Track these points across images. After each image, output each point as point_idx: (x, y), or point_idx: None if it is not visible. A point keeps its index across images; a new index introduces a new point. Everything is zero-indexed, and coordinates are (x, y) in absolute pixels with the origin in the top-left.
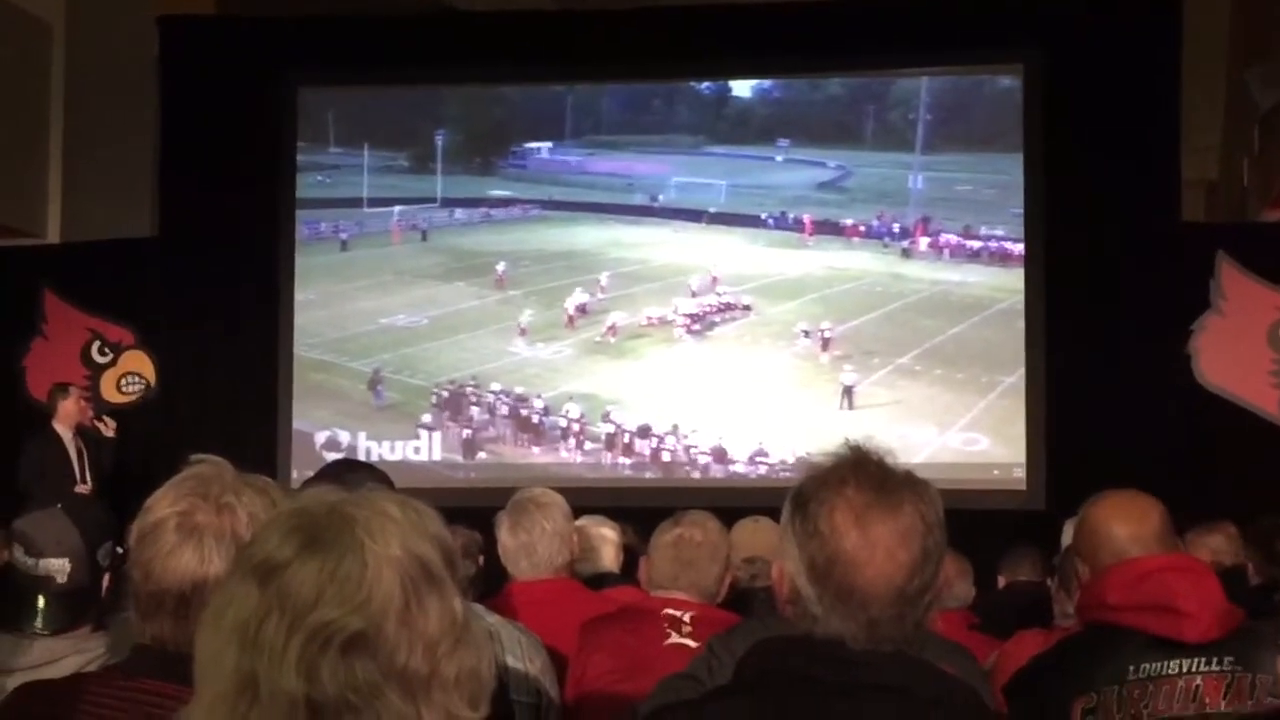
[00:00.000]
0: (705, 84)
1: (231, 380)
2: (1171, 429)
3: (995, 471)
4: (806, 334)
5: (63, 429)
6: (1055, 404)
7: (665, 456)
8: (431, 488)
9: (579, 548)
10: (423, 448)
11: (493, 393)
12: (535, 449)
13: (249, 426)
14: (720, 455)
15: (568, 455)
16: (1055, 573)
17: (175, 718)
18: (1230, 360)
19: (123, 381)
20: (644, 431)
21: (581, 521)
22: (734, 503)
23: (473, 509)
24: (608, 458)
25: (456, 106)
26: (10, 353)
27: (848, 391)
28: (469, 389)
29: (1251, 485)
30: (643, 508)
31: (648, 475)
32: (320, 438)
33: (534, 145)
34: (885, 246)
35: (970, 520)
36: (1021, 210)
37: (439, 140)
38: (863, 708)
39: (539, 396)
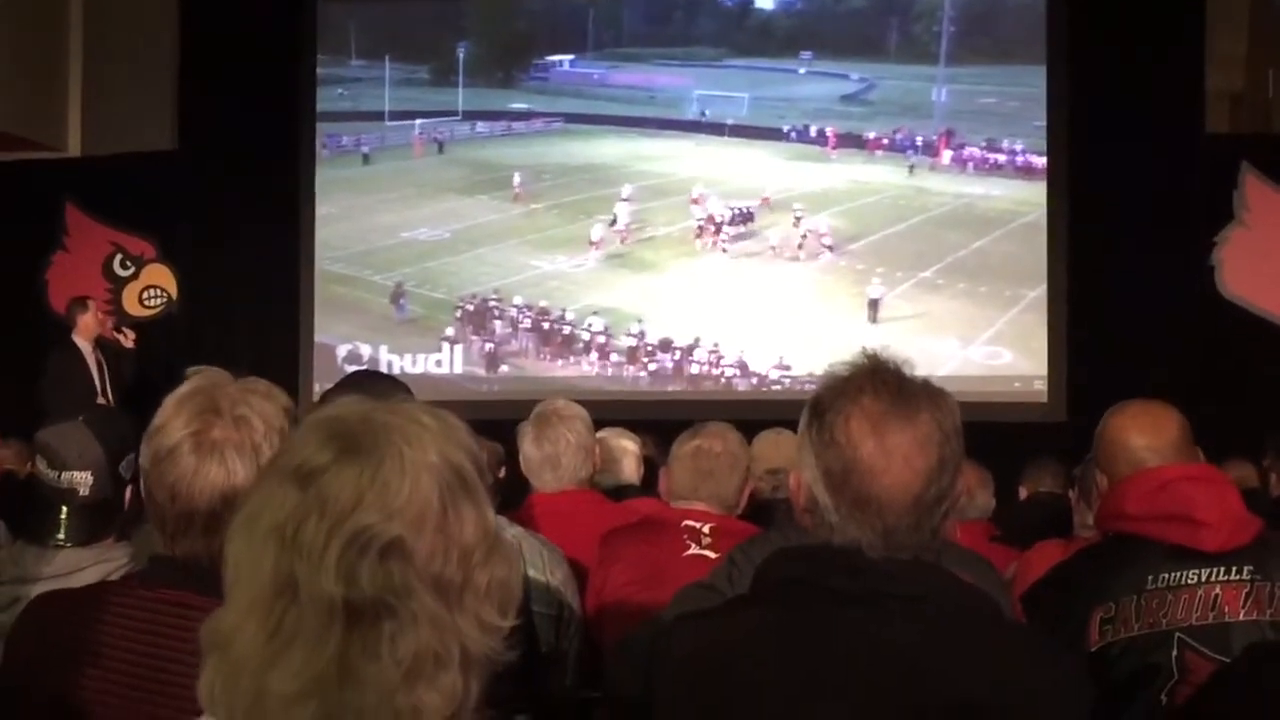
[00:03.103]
0: None
1: (253, 293)
2: (1194, 341)
3: (1017, 384)
4: (830, 248)
5: (82, 342)
6: (1077, 316)
7: (689, 369)
8: (454, 400)
9: (600, 459)
10: (444, 360)
11: (515, 306)
12: (558, 362)
13: (270, 339)
14: (743, 368)
15: (590, 368)
16: (1076, 484)
17: (209, 620)
18: (1254, 272)
19: (145, 295)
20: (666, 345)
21: (602, 433)
22: (757, 415)
23: (495, 421)
24: (630, 370)
25: (478, 19)
26: (33, 266)
27: (874, 304)
28: (492, 302)
29: (1275, 397)
30: (666, 420)
31: (670, 388)
32: (342, 351)
33: (556, 58)
34: (908, 159)
35: (991, 432)
36: (1045, 122)
37: (460, 53)
38: (879, 615)
39: (562, 310)
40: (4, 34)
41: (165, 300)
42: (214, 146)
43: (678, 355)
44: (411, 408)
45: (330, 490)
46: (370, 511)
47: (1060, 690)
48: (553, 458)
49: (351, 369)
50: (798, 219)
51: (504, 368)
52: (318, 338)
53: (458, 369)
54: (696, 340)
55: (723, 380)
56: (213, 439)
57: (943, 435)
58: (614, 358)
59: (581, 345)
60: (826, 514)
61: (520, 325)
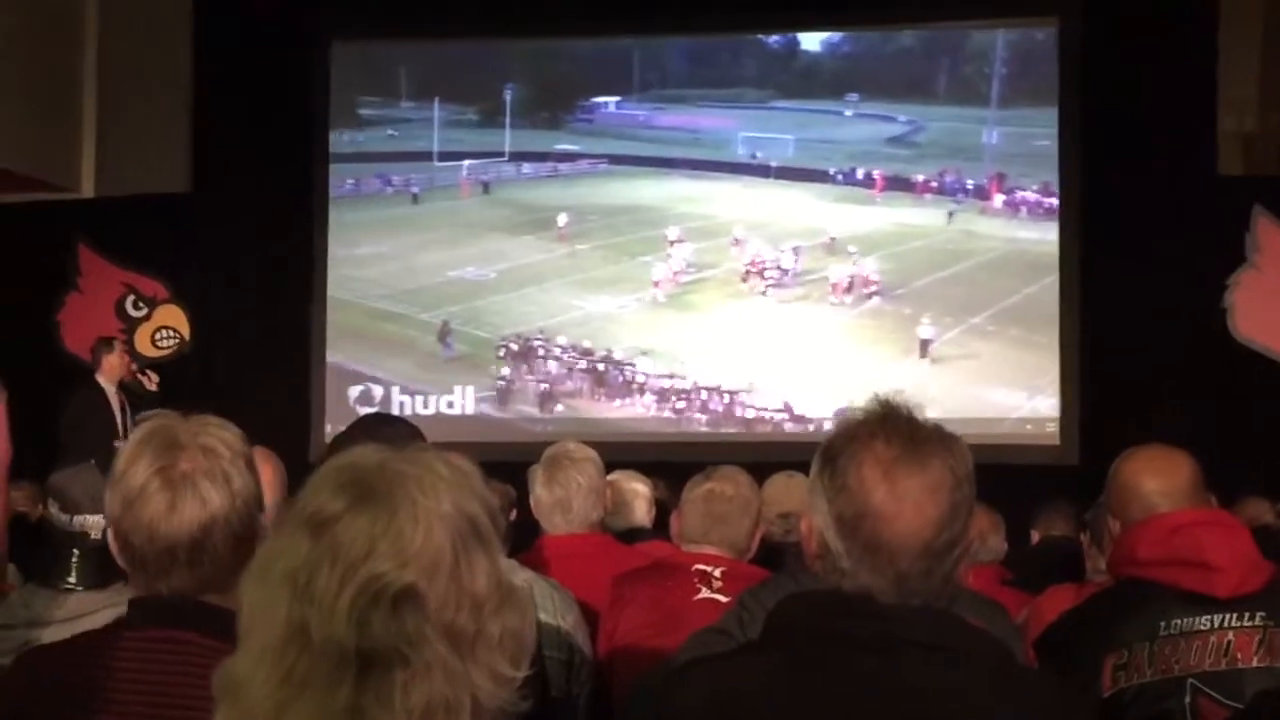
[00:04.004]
0: (773, 37)
1: (265, 334)
2: (1207, 383)
3: (1029, 426)
4: (877, 292)
5: (106, 383)
6: (1090, 359)
7: (739, 412)
8: (467, 442)
9: (611, 502)
10: (455, 402)
11: (560, 346)
12: (613, 403)
13: (282, 380)
14: (791, 411)
15: (643, 410)
16: (1087, 528)
17: (221, 666)
18: (1266, 314)
19: (157, 335)
20: (714, 388)
21: (613, 476)
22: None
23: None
24: (681, 413)
25: (525, 61)
26: (45, 307)
27: (924, 344)
28: (536, 342)
29: None
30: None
31: (722, 430)
32: (354, 392)
33: (601, 100)
34: (957, 203)
35: (1004, 475)
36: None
37: (507, 95)
38: (891, 662)
39: (607, 350)
40: (18, 76)
41: (177, 341)
42: (227, 188)
43: (726, 399)
44: (427, 456)
45: (343, 538)
46: (383, 560)
47: None
48: (563, 501)
49: (363, 410)
50: (854, 262)
51: (559, 408)
52: (339, 365)
53: (469, 410)
54: (746, 384)
55: (771, 423)
56: (181, 471)
57: (955, 481)
58: (664, 400)
59: (635, 387)
60: (838, 560)
61: (575, 366)
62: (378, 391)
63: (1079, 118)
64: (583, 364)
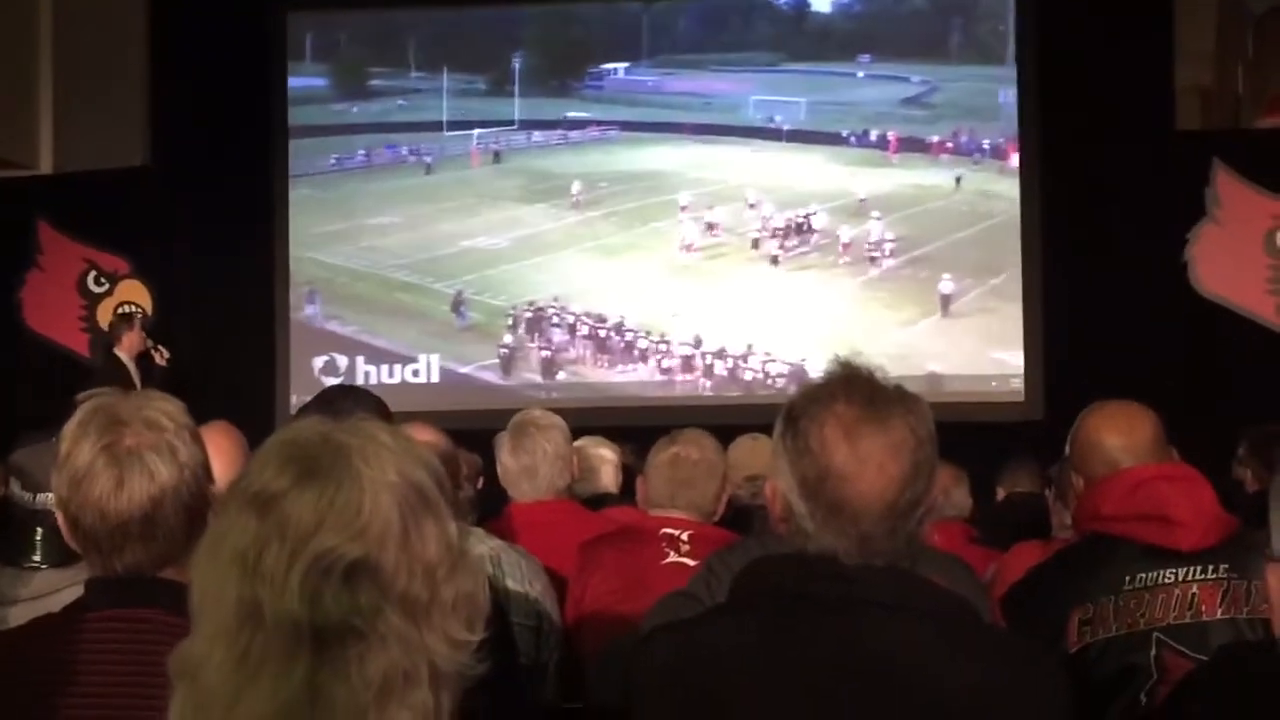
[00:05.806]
0: None
1: (228, 307)
2: (1169, 338)
3: (993, 383)
4: (890, 253)
5: (126, 358)
6: (1052, 314)
7: (744, 376)
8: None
9: (578, 469)
10: (420, 370)
11: (573, 314)
12: (616, 369)
13: (247, 353)
14: (799, 377)
15: (646, 376)
16: (1053, 484)
17: (177, 648)
18: (1227, 268)
19: (119, 311)
20: (722, 352)
21: (580, 442)
22: None
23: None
24: (687, 378)
25: (534, 29)
26: (5, 285)
27: (945, 300)
28: (550, 310)
29: (1249, 393)
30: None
31: (726, 394)
32: (318, 363)
33: (610, 66)
34: (975, 164)
35: (968, 431)
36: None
37: (516, 63)
38: (856, 623)
39: (620, 317)
40: None
41: (140, 316)
42: (186, 161)
43: (732, 363)
44: (369, 426)
45: (290, 514)
46: (331, 534)
47: (1040, 691)
48: (530, 468)
49: (328, 381)
50: (869, 224)
51: (561, 375)
52: (343, 333)
53: (434, 378)
54: (749, 347)
55: (776, 388)
56: (127, 447)
57: (916, 441)
58: (668, 364)
59: (638, 353)
60: (802, 521)
61: (578, 333)
62: (342, 361)
63: (1036, 73)
64: (591, 331)
